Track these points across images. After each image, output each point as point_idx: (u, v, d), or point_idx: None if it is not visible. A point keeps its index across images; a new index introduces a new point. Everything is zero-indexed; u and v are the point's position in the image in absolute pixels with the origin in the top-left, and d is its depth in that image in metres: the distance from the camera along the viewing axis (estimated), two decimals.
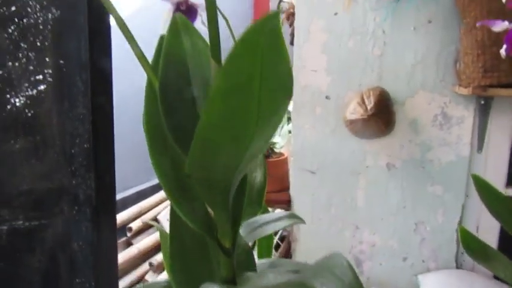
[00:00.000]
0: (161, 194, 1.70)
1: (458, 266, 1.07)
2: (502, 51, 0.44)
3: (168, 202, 1.69)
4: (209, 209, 0.26)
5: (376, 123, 1.00)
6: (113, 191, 0.51)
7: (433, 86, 1.02)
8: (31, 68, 0.53)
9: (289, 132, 1.22)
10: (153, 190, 1.75)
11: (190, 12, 0.35)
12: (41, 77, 0.52)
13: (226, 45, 0.31)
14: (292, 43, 1.17)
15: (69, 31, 0.50)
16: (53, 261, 0.54)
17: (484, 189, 0.56)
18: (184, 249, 0.28)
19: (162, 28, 0.37)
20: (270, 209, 1.20)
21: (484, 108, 1.00)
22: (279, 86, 0.18)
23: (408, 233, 1.08)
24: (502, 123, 1.00)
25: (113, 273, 0.57)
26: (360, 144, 1.08)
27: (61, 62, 0.51)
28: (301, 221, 0.40)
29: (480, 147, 1.02)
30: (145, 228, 1.57)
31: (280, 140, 1.23)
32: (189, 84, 0.24)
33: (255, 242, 0.66)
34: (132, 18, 1.64)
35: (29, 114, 0.53)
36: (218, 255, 0.26)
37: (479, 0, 0.84)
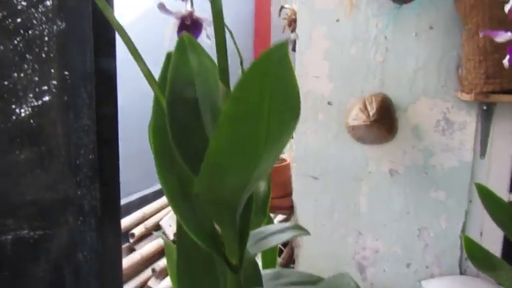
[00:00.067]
0: (164, 199, 1.70)
1: (462, 272, 1.07)
2: (505, 62, 0.44)
3: (170, 208, 1.69)
4: (216, 226, 0.26)
5: (379, 129, 1.00)
6: (117, 201, 0.52)
7: (435, 91, 1.02)
8: (36, 79, 0.54)
9: (292, 138, 1.23)
10: (155, 195, 1.75)
11: (195, 26, 0.36)
12: (46, 88, 0.53)
13: (231, 58, 0.31)
14: (294, 49, 1.17)
15: (75, 43, 0.50)
16: (58, 271, 0.55)
17: (488, 198, 0.56)
18: (191, 265, 0.28)
19: (167, 43, 0.37)
20: (272, 214, 1.20)
21: (486, 114, 1.00)
22: (288, 109, 0.18)
23: (411, 239, 1.08)
24: (504, 128, 1.00)
25: (118, 282, 0.57)
26: (363, 150, 1.08)
27: (66, 73, 0.51)
28: (306, 232, 0.40)
29: (483, 153, 1.02)
30: (148, 234, 1.57)
31: None
32: (197, 104, 0.25)
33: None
34: (134, 24, 1.65)
35: (34, 125, 0.53)
36: (225, 272, 0.26)
37: (481, 7, 0.84)
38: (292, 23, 1.24)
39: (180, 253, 0.28)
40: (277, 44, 0.15)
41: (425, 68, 1.02)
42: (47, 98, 0.52)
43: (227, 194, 0.21)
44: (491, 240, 1.02)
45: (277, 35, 2.58)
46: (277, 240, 0.37)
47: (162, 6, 0.34)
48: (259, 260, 0.62)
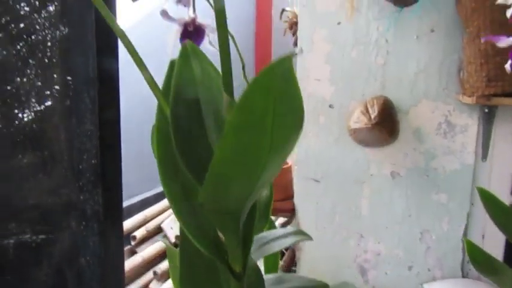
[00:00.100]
0: (165, 202, 1.70)
1: (464, 275, 1.07)
2: (507, 67, 0.44)
3: (171, 210, 1.69)
4: (219, 234, 0.26)
5: (380, 132, 1.00)
6: (120, 205, 0.52)
7: (437, 94, 1.03)
8: (39, 84, 0.54)
9: None
10: (157, 198, 1.75)
11: (197, 33, 0.36)
12: (49, 93, 0.53)
13: (233, 63, 0.31)
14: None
15: (77, 48, 0.50)
16: (61, 275, 0.55)
17: (490, 202, 0.56)
18: (194, 272, 0.28)
19: (170, 50, 0.37)
20: (273, 217, 1.20)
21: (488, 117, 1.00)
22: (291, 121, 0.18)
23: (413, 242, 1.08)
24: (506, 131, 1.00)
25: (120, 286, 0.57)
26: (364, 153, 1.08)
27: (69, 78, 0.51)
28: (308, 237, 0.40)
29: (485, 156, 1.02)
30: (149, 236, 1.57)
31: None
32: (200, 112, 0.25)
33: None
34: (135, 28, 1.65)
35: (37, 130, 0.53)
36: (228, 279, 0.26)
37: (482, 10, 0.85)
38: (293, 25, 1.25)
39: (183, 260, 0.28)
40: (281, 58, 0.16)
41: (426, 71, 1.02)
42: (49, 103, 0.52)
43: (231, 203, 0.21)
44: (493, 243, 1.02)
45: (278, 38, 2.58)
46: (280, 246, 0.37)
47: (165, 13, 0.34)
48: (261, 264, 0.62)
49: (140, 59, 0.26)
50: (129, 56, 0.34)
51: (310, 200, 1.13)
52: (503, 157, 1.01)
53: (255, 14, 2.61)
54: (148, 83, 0.25)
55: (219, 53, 0.22)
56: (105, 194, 0.48)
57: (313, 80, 1.10)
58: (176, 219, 0.26)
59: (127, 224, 1.53)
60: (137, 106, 1.58)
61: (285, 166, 1.20)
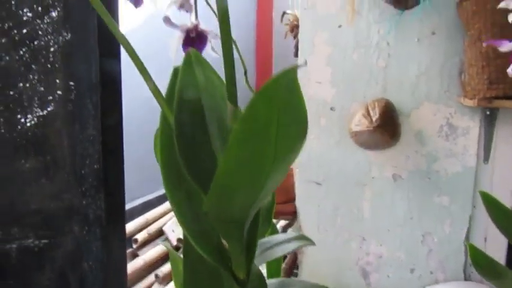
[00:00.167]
0: (167, 204, 1.70)
1: (467, 278, 1.06)
2: (510, 71, 0.45)
3: (173, 213, 1.69)
4: (223, 241, 0.26)
5: (382, 135, 1.00)
6: (122, 210, 0.52)
7: (438, 97, 1.03)
8: (42, 89, 0.54)
9: None
10: (158, 200, 1.75)
11: (200, 39, 0.36)
12: (51, 98, 0.53)
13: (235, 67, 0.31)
14: (296, 55, 1.18)
15: (80, 53, 0.51)
16: (63, 280, 0.55)
17: (492, 205, 0.56)
18: (197, 278, 0.28)
19: (173, 55, 0.38)
20: (274, 220, 1.20)
21: (489, 119, 1.00)
22: (295, 132, 0.18)
23: (415, 244, 1.08)
24: (507, 133, 1.00)
25: None
26: (365, 156, 1.08)
27: (71, 83, 0.51)
28: (311, 242, 0.40)
29: (486, 158, 1.02)
30: (151, 239, 1.57)
31: None
32: (204, 119, 0.25)
33: None
34: (137, 31, 1.66)
35: (40, 135, 0.53)
36: (232, 286, 0.26)
37: (483, 13, 0.85)
38: (294, 28, 1.25)
39: (186, 266, 0.28)
40: (286, 69, 0.16)
41: (427, 74, 1.03)
42: (52, 108, 0.52)
43: (236, 212, 0.22)
44: (496, 245, 1.02)
45: (279, 41, 2.59)
46: (282, 251, 0.37)
47: (167, 20, 0.34)
48: (263, 269, 0.62)
49: (144, 67, 0.26)
50: (127, 58, 0.34)
51: (312, 202, 1.13)
52: (505, 159, 1.01)
53: (255, 17, 2.62)
54: (152, 92, 0.25)
55: (222, 61, 0.22)
56: (107, 198, 0.48)
57: (314, 82, 1.10)
58: (179, 224, 0.26)
59: (128, 227, 1.53)
60: (138, 108, 1.58)
61: None
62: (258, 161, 0.18)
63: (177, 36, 0.36)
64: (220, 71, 0.31)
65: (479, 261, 0.51)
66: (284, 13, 1.32)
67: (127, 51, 0.28)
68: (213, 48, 0.37)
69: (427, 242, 1.07)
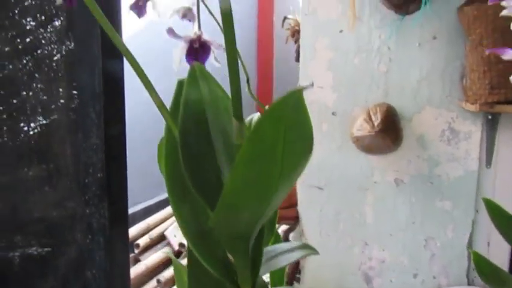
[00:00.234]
0: (168, 209, 1.70)
1: (470, 282, 1.06)
2: None
3: (174, 218, 1.69)
4: (228, 254, 0.26)
5: (383, 140, 1.00)
6: (125, 219, 0.52)
7: (440, 101, 1.03)
8: (45, 98, 0.54)
9: None
10: (160, 206, 1.75)
11: (203, 49, 0.36)
12: (54, 107, 0.54)
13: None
14: (297, 60, 1.18)
15: (83, 62, 0.51)
16: None
17: (495, 212, 0.56)
18: None
19: (176, 66, 0.38)
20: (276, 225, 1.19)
21: (491, 123, 1.00)
22: (301, 150, 0.18)
23: (418, 249, 1.07)
24: (509, 137, 1.00)
25: None
26: (367, 160, 1.08)
27: (74, 92, 0.52)
28: (315, 251, 0.40)
29: (489, 162, 1.02)
30: (152, 244, 1.57)
31: None
32: (209, 133, 0.25)
33: None
34: (138, 35, 1.67)
35: (43, 144, 0.54)
36: None
37: (484, 18, 0.85)
38: (295, 33, 1.25)
39: (191, 278, 0.28)
40: (293, 90, 0.16)
41: (429, 78, 1.03)
42: (55, 117, 0.52)
43: (242, 227, 0.22)
44: (499, 250, 1.01)
45: (280, 45, 2.59)
46: (287, 260, 0.37)
47: (171, 31, 0.34)
48: (267, 277, 0.62)
49: (148, 80, 0.26)
50: (134, 72, 0.35)
51: (314, 207, 1.13)
52: (507, 163, 1.01)
53: (256, 21, 2.62)
54: (157, 105, 0.25)
55: (224, 70, 0.22)
56: (111, 207, 0.48)
57: (315, 87, 1.10)
58: (184, 237, 0.26)
59: (130, 232, 1.53)
60: (140, 113, 1.58)
61: None
62: (264, 180, 0.18)
63: (181, 47, 0.36)
64: (221, 77, 0.31)
65: (483, 268, 0.51)
66: (285, 18, 1.32)
67: (131, 64, 0.28)
68: (216, 59, 0.37)
69: (430, 246, 1.07)
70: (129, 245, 0.55)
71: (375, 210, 1.09)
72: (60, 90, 0.52)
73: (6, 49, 0.56)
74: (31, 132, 0.54)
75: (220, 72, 0.40)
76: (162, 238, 1.62)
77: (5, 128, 0.55)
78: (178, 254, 1.57)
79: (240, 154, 0.17)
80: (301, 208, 1.15)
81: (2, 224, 0.56)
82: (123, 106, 0.51)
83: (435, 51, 1.01)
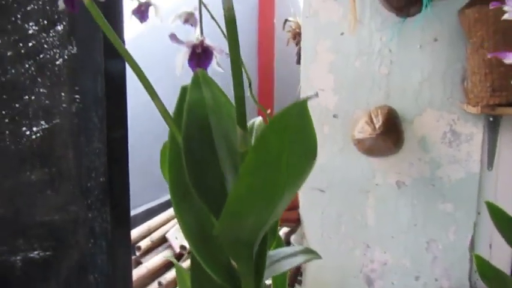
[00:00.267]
0: (170, 211, 1.70)
1: (472, 285, 1.06)
2: None
3: (176, 220, 1.69)
4: (232, 261, 0.26)
5: (385, 142, 1.00)
6: (128, 223, 0.52)
7: (441, 103, 1.02)
8: (47, 102, 0.54)
9: None
10: (161, 208, 1.75)
11: (205, 54, 0.36)
12: (57, 111, 0.54)
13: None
14: (298, 62, 1.18)
15: (85, 67, 0.51)
16: None
17: (498, 215, 0.56)
18: None
19: (179, 71, 0.38)
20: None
21: (493, 126, 1.00)
22: (306, 158, 0.18)
23: (420, 251, 1.07)
24: (511, 140, 1.00)
25: None
26: (369, 162, 1.08)
27: (77, 96, 0.52)
28: (317, 256, 0.40)
29: (490, 164, 1.02)
30: (154, 246, 1.57)
31: None
32: (212, 139, 0.25)
33: None
34: (140, 37, 1.67)
35: (45, 148, 0.54)
36: None
37: (485, 20, 0.85)
38: (296, 36, 1.26)
39: (194, 285, 0.28)
40: (297, 101, 0.16)
41: (430, 80, 1.03)
42: (57, 121, 0.52)
43: (246, 235, 0.22)
44: (501, 252, 1.01)
45: (280, 48, 2.59)
46: (290, 265, 0.37)
47: (173, 37, 0.34)
48: (269, 280, 0.62)
49: (151, 86, 0.26)
50: (137, 77, 0.35)
51: (316, 209, 1.13)
52: (509, 165, 1.01)
53: (257, 23, 2.63)
54: (161, 112, 0.25)
55: (232, 84, 0.22)
56: (113, 211, 0.48)
57: (317, 90, 1.10)
58: (188, 243, 0.26)
59: (131, 234, 1.53)
60: (141, 114, 1.58)
61: None
62: (269, 188, 0.18)
63: (183, 52, 0.36)
64: (220, 78, 0.32)
65: (485, 272, 0.51)
66: (286, 20, 1.33)
67: (134, 70, 0.29)
68: (218, 64, 0.37)
69: (432, 249, 1.07)
70: (131, 248, 0.55)
71: (376, 213, 1.09)
72: (63, 94, 0.53)
73: (9, 53, 0.56)
74: (33, 136, 0.55)
75: (219, 74, 0.40)
76: (163, 240, 1.62)
77: (7, 132, 0.56)
78: (179, 257, 1.57)
79: (245, 163, 0.17)
80: (302, 210, 1.14)
81: (5, 227, 0.56)
82: (126, 110, 0.51)
83: (436, 53, 1.01)
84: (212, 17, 0.43)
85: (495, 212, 0.55)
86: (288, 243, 1.27)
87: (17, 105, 0.56)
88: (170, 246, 1.59)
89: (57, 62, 0.53)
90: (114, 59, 0.50)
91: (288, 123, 0.16)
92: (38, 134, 0.54)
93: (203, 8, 0.43)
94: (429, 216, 1.06)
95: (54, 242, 0.54)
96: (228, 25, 0.21)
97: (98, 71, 0.50)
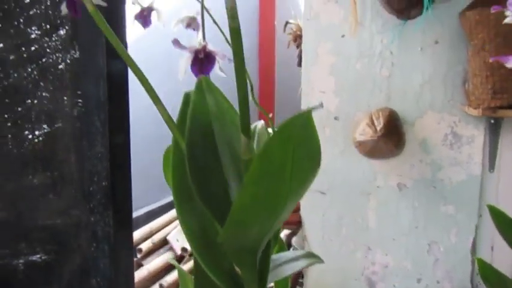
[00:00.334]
0: (171, 213, 1.70)
1: (474, 287, 1.05)
2: None
3: (177, 222, 1.69)
4: (236, 267, 0.26)
5: (386, 144, 1.00)
6: (130, 227, 0.52)
7: (442, 105, 1.03)
8: (50, 106, 0.55)
9: None
10: (162, 210, 1.75)
11: (208, 59, 0.36)
12: (59, 115, 0.54)
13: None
14: (299, 65, 1.18)
15: (88, 71, 0.51)
16: None
17: (499, 218, 0.56)
18: None
19: (181, 75, 0.38)
20: None
21: (494, 128, 1.00)
22: (309, 166, 0.18)
23: (421, 254, 1.07)
24: None
25: None
26: (370, 165, 1.08)
27: (79, 101, 0.52)
28: (320, 260, 0.40)
29: (492, 166, 1.02)
30: (155, 248, 1.57)
31: None
32: (215, 146, 0.25)
33: None
34: (142, 40, 1.67)
35: (48, 152, 0.54)
36: None
37: (486, 22, 0.85)
38: (297, 38, 1.26)
39: None
40: (302, 112, 0.16)
41: (431, 82, 1.03)
42: (60, 125, 0.53)
43: (250, 242, 0.22)
44: (503, 254, 1.01)
45: (281, 50, 2.59)
46: (292, 269, 0.37)
47: (176, 42, 0.35)
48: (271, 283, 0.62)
49: (154, 93, 0.27)
50: (140, 83, 0.35)
51: (317, 212, 1.13)
52: (510, 167, 1.01)
53: (258, 25, 2.63)
54: (164, 119, 0.26)
55: (237, 96, 0.22)
56: (115, 215, 0.48)
57: (318, 92, 1.10)
58: (191, 250, 0.26)
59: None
60: (142, 117, 1.59)
61: None
62: (273, 197, 0.18)
63: (186, 57, 0.37)
64: (224, 84, 0.32)
65: (488, 276, 0.51)
66: (287, 23, 1.33)
67: (137, 75, 0.29)
68: (221, 69, 0.37)
69: (433, 251, 1.06)
70: (133, 252, 0.55)
71: (377, 215, 1.09)
72: (65, 98, 0.53)
73: (12, 57, 0.56)
74: (36, 140, 0.55)
75: (221, 78, 0.40)
76: (164, 242, 1.62)
77: (10, 135, 0.56)
78: (180, 259, 1.57)
79: (250, 173, 0.17)
80: (303, 213, 1.14)
81: (8, 231, 0.56)
82: (128, 114, 0.52)
83: (437, 55, 1.01)
84: (214, 22, 0.44)
85: (497, 215, 0.55)
86: (289, 245, 1.27)
87: (19, 109, 0.56)
88: (171, 249, 1.59)
89: (60, 66, 0.53)
90: (116, 63, 0.50)
91: (292, 134, 0.16)
92: (41, 138, 0.54)
93: (205, 13, 0.44)
94: (430, 218, 1.06)
95: (57, 245, 0.54)
96: (233, 35, 0.21)
97: (100, 75, 0.50)
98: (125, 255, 0.52)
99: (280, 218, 0.20)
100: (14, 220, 0.56)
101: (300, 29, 1.23)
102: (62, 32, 0.54)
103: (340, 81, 1.08)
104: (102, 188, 0.49)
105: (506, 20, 0.46)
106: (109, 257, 0.50)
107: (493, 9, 0.46)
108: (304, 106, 1.13)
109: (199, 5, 0.47)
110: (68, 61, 0.53)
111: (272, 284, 0.66)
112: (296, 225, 1.17)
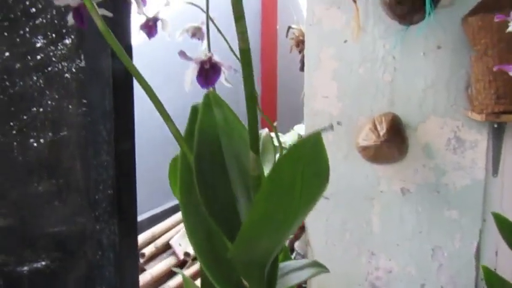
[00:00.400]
0: (174, 218, 1.70)
1: None
2: None
3: (180, 226, 1.69)
4: (244, 281, 0.26)
5: (389, 149, 1.00)
6: (135, 235, 0.52)
7: (445, 110, 1.03)
8: (55, 114, 0.55)
9: None
10: (165, 214, 1.75)
11: (214, 70, 0.37)
12: (64, 123, 0.54)
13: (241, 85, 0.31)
14: (302, 70, 1.18)
15: (94, 80, 0.52)
16: None
17: (504, 225, 0.56)
18: None
19: (187, 87, 0.38)
20: None
21: (497, 132, 0.99)
22: (318, 184, 0.19)
23: (425, 259, 1.07)
24: None
25: None
26: (373, 169, 1.08)
27: (85, 109, 0.52)
28: (325, 269, 0.40)
29: (495, 171, 1.01)
30: (158, 253, 1.57)
31: None
32: (223, 159, 0.25)
33: None
34: (145, 45, 1.68)
35: (53, 160, 0.54)
36: None
37: (489, 28, 0.85)
38: (299, 43, 1.26)
39: None
40: (312, 133, 0.16)
41: (434, 87, 1.03)
42: (66, 134, 0.53)
43: (259, 257, 0.22)
44: (507, 259, 1.01)
45: (283, 55, 2.60)
46: (298, 279, 0.37)
47: (182, 53, 0.35)
48: None
49: (163, 108, 0.27)
50: (147, 95, 0.35)
51: (320, 217, 1.13)
52: None
53: (260, 30, 2.64)
54: (173, 134, 0.26)
55: (246, 108, 0.22)
56: (120, 223, 0.49)
57: (320, 97, 1.11)
58: (200, 263, 0.26)
59: None
60: (146, 121, 1.59)
61: None
62: (283, 215, 0.19)
63: (192, 68, 0.37)
64: (225, 92, 0.32)
65: (494, 283, 0.51)
66: (289, 28, 1.33)
67: (141, 85, 0.29)
68: (226, 80, 0.38)
69: (437, 256, 1.06)
70: (138, 259, 0.56)
71: (381, 220, 1.09)
72: (71, 107, 0.53)
73: (18, 66, 0.57)
74: (41, 148, 0.55)
75: (226, 89, 0.40)
76: (167, 247, 1.61)
77: (15, 143, 0.56)
78: (183, 263, 1.57)
79: (260, 191, 0.17)
80: (307, 218, 1.14)
81: (13, 238, 0.56)
82: (133, 123, 0.52)
83: (440, 60, 1.02)
84: (219, 31, 0.44)
85: (501, 222, 0.55)
86: (291, 250, 1.27)
87: (25, 117, 0.57)
88: (174, 253, 1.59)
89: (66, 75, 0.54)
90: (122, 72, 0.50)
91: (302, 154, 0.16)
92: (47, 146, 0.54)
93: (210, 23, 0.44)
94: (434, 223, 1.06)
95: (62, 253, 0.54)
96: (243, 54, 0.21)
97: (105, 83, 0.50)
98: (130, 263, 0.52)
99: (289, 232, 0.20)
100: (19, 227, 0.57)
101: (302, 34, 1.23)
102: (67, 41, 0.54)
103: (343, 86, 1.08)
104: (107, 196, 0.49)
105: (510, 29, 0.47)
106: (114, 265, 0.50)
107: (497, 18, 0.46)
108: (306, 111, 1.13)
109: (199, 12, 0.48)
110: (74, 70, 0.53)
111: None
112: (299, 230, 1.17)
